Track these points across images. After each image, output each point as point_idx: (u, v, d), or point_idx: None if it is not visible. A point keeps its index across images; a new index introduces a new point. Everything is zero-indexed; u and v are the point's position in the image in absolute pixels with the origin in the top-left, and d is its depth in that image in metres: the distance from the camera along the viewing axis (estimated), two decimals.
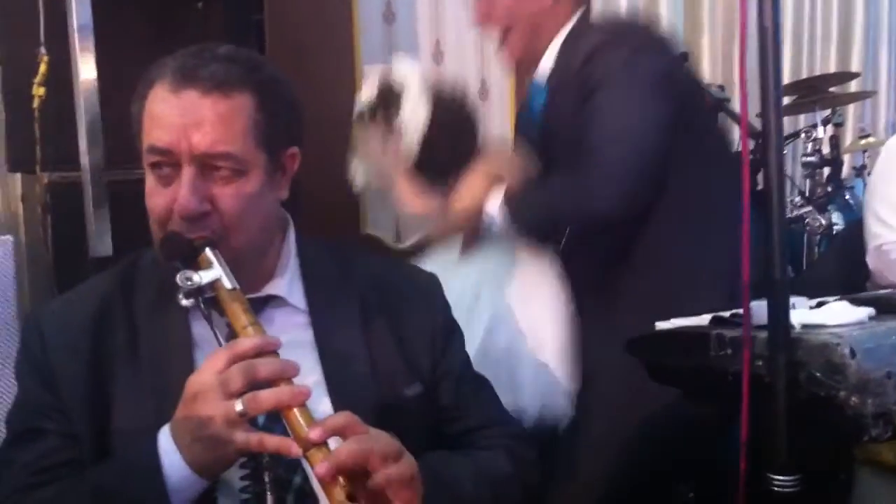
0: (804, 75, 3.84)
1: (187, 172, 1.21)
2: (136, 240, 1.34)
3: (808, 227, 2.99)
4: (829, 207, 3.05)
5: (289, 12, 3.22)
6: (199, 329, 1.25)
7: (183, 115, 1.21)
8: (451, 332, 1.45)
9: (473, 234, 2.00)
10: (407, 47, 3.45)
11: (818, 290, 2.04)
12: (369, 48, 3.39)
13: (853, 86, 3.91)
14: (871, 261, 2.45)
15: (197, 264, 1.18)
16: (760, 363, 1.27)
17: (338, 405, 1.25)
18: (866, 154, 3.51)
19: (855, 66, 4.06)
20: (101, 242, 2.02)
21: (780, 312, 1.24)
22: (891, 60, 4.17)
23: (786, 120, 3.46)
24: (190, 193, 1.20)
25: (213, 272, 1.17)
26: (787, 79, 3.81)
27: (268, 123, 1.27)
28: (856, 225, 2.75)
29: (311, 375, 1.27)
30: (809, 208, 3.03)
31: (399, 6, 3.42)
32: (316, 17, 3.28)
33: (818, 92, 3.27)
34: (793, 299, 1.38)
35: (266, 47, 3.24)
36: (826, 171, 3.13)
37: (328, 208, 3.33)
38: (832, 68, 4.01)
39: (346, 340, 1.33)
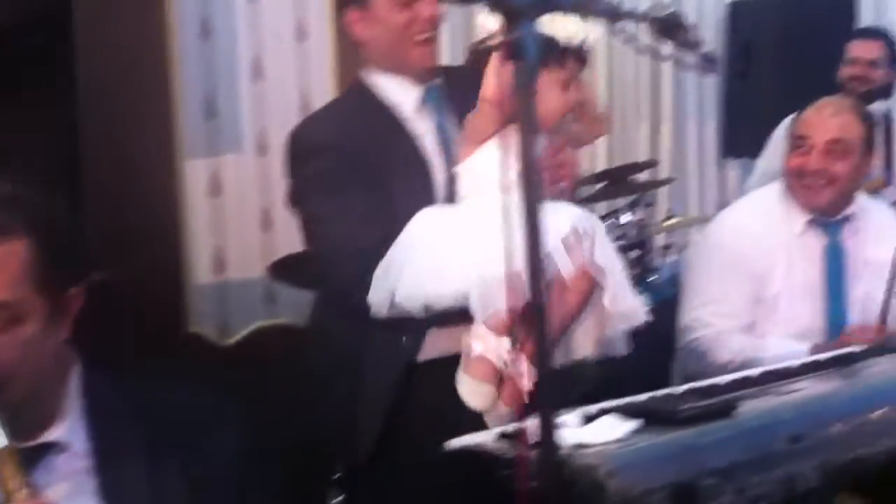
0: (618, 161, 4.06)
1: None
2: None
3: None
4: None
5: (106, 114, 3.20)
6: None
7: None
8: (249, 460, 1.45)
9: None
10: (230, 140, 3.46)
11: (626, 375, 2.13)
12: (192, 143, 3.38)
13: (660, 171, 4.20)
14: (681, 354, 2.53)
15: None
16: (535, 483, 1.32)
17: None
18: (673, 234, 3.73)
19: (665, 151, 4.34)
20: None
21: (547, 434, 1.30)
22: (698, 146, 4.47)
23: (600, 205, 3.62)
24: None
25: None
26: (603, 165, 4.02)
27: (46, 267, 1.25)
28: (662, 306, 2.87)
29: None
30: None
31: (220, 99, 3.43)
32: (134, 117, 3.26)
33: (620, 181, 3.48)
34: (565, 416, 1.47)
35: (82, 148, 3.20)
36: (633, 254, 3.30)
37: (150, 307, 3.29)
38: (645, 152, 4.27)
39: (131, 487, 1.31)
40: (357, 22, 1.90)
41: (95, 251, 3.18)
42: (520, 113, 1.26)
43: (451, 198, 1.93)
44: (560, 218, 1.81)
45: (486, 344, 1.75)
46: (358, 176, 1.88)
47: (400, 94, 1.93)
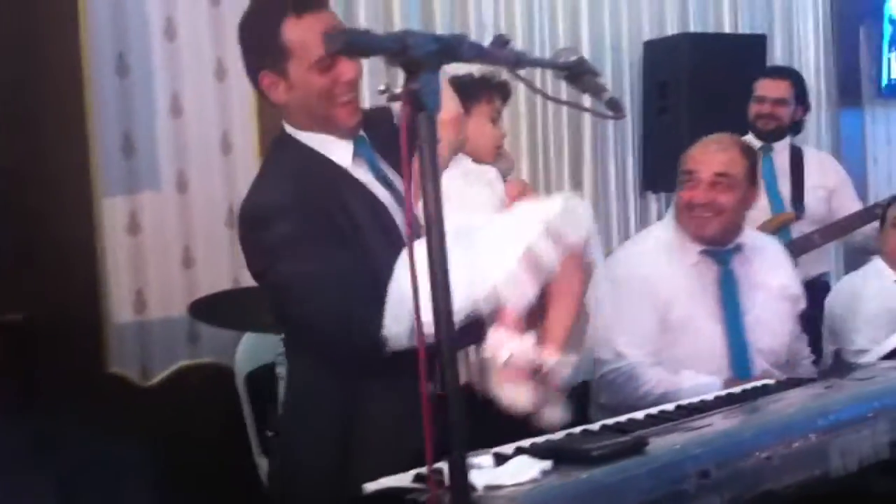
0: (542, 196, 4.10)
1: None
2: None
3: None
4: None
5: (21, 151, 3.15)
6: None
7: None
8: None
9: None
10: (149, 178, 3.42)
11: None
12: (109, 181, 3.34)
13: None
14: (597, 385, 2.57)
15: None
16: None
17: None
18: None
19: (587, 185, 4.41)
20: None
21: (458, 476, 1.30)
22: (617, 177, 4.56)
23: None
24: None
25: None
26: None
27: None
28: None
29: None
30: None
31: (138, 136, 3.39)
32: (51, 155, 3.21)
33: None
34: (477, 457, 1.48)
35: None
36: None
37: (68, 348, 3.21)
38: (566, 186, 4.33)
39: None
40: (273, 85, 1.85)
41: (10, 290, 3.12)
42: (423, 162, 1.28)
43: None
44: (553, 201, 1.82)
45: (510, 348, 1.73)
46: (328, 231, 1.81)
47: (333, 149, 1.90)
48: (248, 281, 3.47)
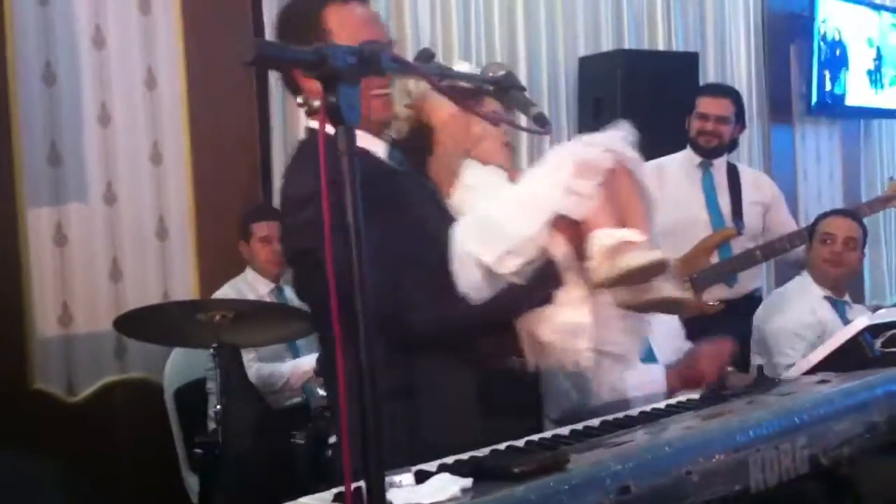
0: None
1: None
2: None
3: None
4: None
5: None
6: None
7: None
8: None
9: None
10: (76, 189, 3.35)
11: None
12: (34, 192, 3.27)
13: None
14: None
15: None
16: None
17: None
18: None
19: None
20: None
21: (376, 494, 1.29)
22: None
23: None
24: None
25: None
26: None
27: None
28: None
29: None
30: None
31: (65, 146, 3.32)
32: None
33: None
34: (397, 476, 1.46)
35: None
36: None
37: None
38: None
39: None
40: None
41: None
42: (345, 173, 1.27)
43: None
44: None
45: (614, 234, 1.72)
46: (385, 203, 1.69)
47: (369, 144, 1.85)
48: (177, 294, 3.50)
